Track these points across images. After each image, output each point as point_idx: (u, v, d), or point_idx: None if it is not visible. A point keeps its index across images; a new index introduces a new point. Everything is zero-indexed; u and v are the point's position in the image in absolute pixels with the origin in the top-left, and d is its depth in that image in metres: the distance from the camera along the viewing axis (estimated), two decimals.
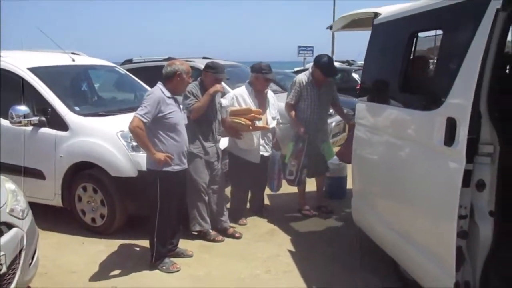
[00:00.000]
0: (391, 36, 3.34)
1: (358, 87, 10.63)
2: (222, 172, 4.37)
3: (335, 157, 5.03)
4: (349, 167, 5.47)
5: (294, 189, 5.03)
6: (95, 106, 5.24)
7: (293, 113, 4.75)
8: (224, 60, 8.59)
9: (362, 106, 3.62)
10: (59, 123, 4.38)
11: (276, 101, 4.86)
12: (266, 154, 4.66)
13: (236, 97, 4.52)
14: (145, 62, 7.88)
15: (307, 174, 4.86)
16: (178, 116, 3.57)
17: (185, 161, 3.67)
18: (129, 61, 7.93)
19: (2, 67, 4.65)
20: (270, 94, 4.80)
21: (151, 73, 6.70)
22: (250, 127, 4.31)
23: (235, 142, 4.55)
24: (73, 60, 5.29)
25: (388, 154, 3.21)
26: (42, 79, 4.57)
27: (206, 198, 4.21)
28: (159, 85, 3.56)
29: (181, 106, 3.78)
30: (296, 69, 16.70)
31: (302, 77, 4.77)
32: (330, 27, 5.14)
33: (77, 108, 4.56)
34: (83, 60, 5.57)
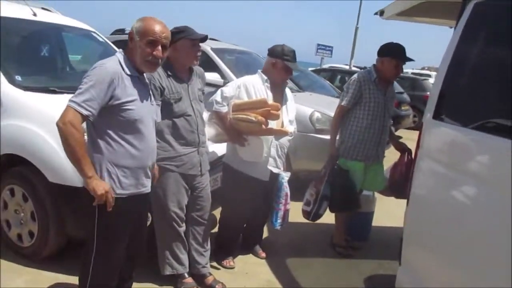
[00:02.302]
0: None
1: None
2: (208, 191, 3.04)
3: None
4: (379, 202, 4.20)
5: (299, 219, 3.74)
6: (50, 78, 3.87)
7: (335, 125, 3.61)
8: (234, 44, 7.27)
9: (440, 131, 2.27)
10: None
11: (294, 102, 3.54)
12: (276, 170, 3.29)
13: (246, 85, 3.17)
14: None
15: (329, 208, 3.57)
16: (143, 108, 2.21)
17: (147, 181, 2.32)
18: (121, 31, 6.59)
19: None
20: (288, 90, 3.48)
21: None
22: (263, 126, 2.99)
23: (236, 151, 3.21)
24: (34, 15, 3.94)
25: (491, 209, 1.85)
26: None
27: (182, 228, 2.90)
28: (118, 54, 2.22)
29: (152, 93, 2.44)
30: (310, 69, 15.01)
31: (363, 74, 3.56)
32: (381, 13, 3.81)
33: (18, 78, 3.24)
34: (49, 17, 4.22)
